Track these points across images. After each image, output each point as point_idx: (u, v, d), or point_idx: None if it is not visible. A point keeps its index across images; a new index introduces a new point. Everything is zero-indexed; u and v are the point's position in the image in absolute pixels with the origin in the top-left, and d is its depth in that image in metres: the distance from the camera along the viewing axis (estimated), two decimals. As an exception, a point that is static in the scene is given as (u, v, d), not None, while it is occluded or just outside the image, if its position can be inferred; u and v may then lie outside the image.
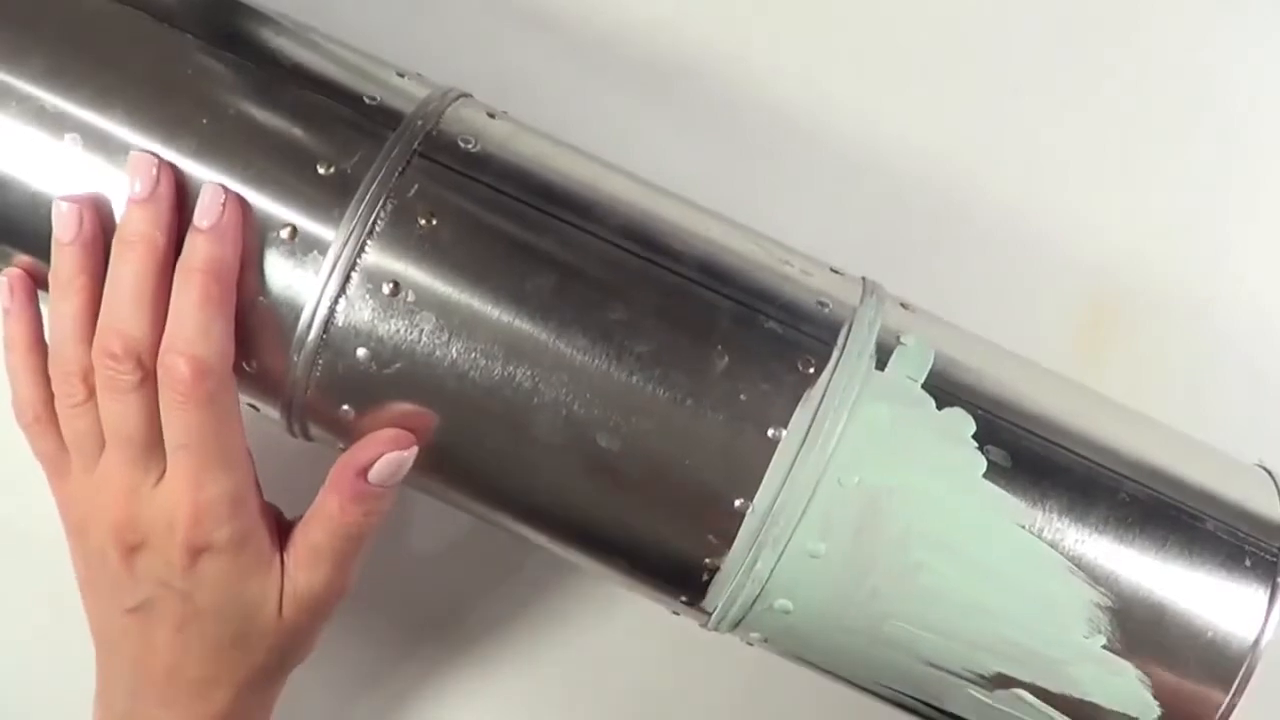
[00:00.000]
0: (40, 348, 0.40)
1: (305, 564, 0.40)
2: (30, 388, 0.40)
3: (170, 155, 0.37)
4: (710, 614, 0.39)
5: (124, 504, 0.38)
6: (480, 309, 0.36)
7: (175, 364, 0.36)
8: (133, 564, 0.39)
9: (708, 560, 0.37)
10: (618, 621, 0.51)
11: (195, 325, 0.37)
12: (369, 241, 0.37)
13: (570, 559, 0.40)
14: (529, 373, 0.36)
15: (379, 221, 0.37)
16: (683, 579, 0.38)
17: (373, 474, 0.38)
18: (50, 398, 0.40)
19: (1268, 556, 0.37)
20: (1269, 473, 0.41)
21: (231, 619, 0.39)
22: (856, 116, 0.51)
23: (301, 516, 0.40)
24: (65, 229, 0.37)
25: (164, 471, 0.38)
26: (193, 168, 0.37)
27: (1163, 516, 0.37)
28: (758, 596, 0.37)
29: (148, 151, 0.37)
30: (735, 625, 0.39)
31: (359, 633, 0.48)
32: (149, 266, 0.37)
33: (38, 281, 0.40)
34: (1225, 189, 0.52)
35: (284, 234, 0.37)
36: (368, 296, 0.37)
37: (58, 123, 0.37)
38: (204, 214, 0.37)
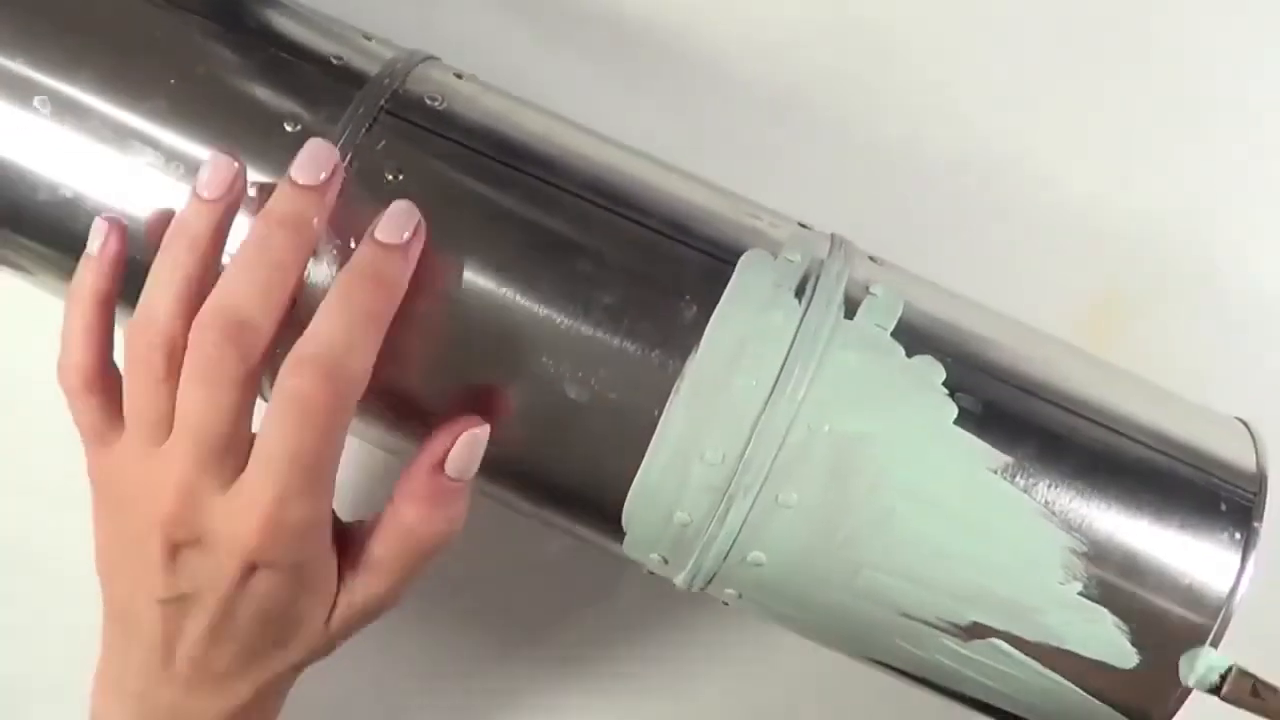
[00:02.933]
0: (109, 306, 0.36)
1: (367, 582, 0.37)
2: (85, 351, 0.36)
3: (141, 117, 0.37)
4: (684, 569, 0.38)
5: (181, 501, 0.35)
6: (447, 264, 0.36)
7: (312, 373, 0.33)
8: (177, 559, 0.36)
9: (679, 513, 0.37)
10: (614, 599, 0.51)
11: (347, 338, 0.33)
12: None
13: (541, 517, 0.40)
14: (497, 328, 0.36)
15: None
16: (657, 533, 0.38)
17: (450, 464, 0.36)
18: (103, 363, 0.36)
19: (1242, 501, 0.37)
20: (1245, 424, 0.41)
21: (273, 628, 0.37)
22: (862, 96, 0.51)
23: (363, 521, 0.38)
24: (214, 185, 0.34)
25: (235, 475, 0.35)
26: (162, 134, 0.37)
27: (1137, 462, 0.37)
28: (730, 549, 0.37)
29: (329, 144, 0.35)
30: (709, 581, 0.39)
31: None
32: (295, 257, 0.34)
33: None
34: (1240, 176, 0.52)
35: (252, 192, 0.37)
36: (335, 251, 0.37)
37: (25, 88, 0.37)
38: (393, 232, 0.34)
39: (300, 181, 0.35)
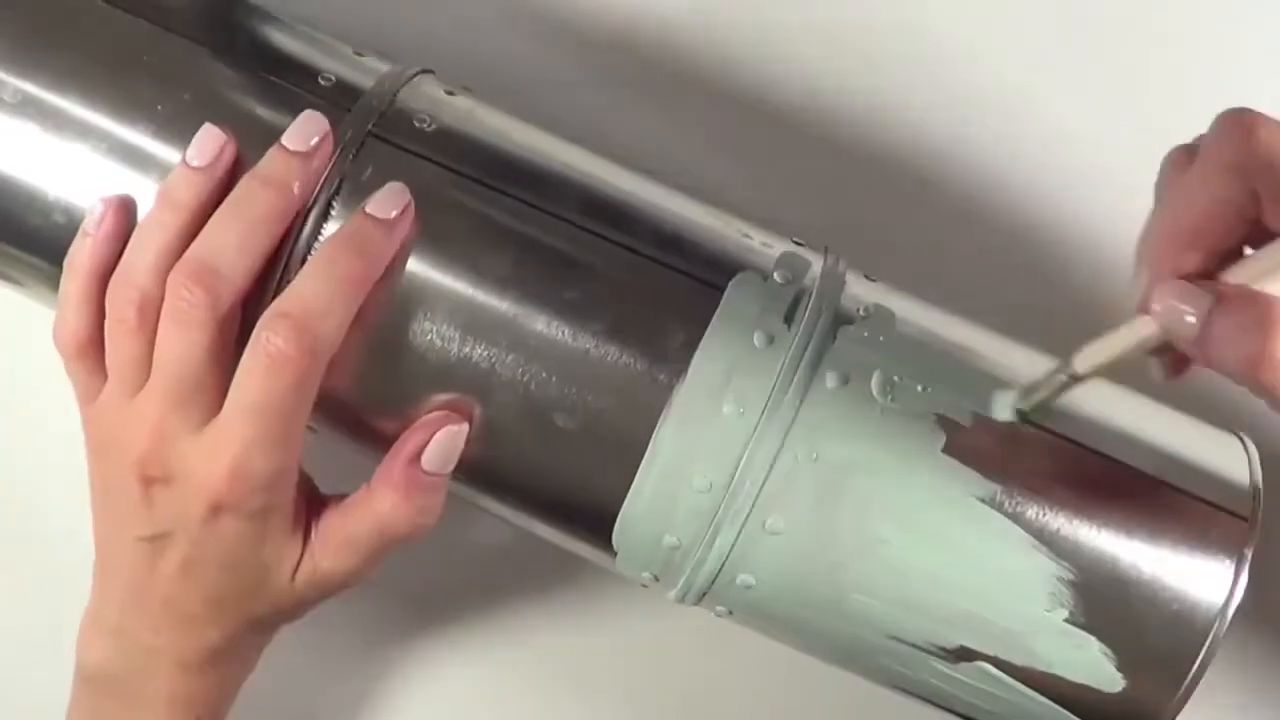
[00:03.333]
0: (103, 279, 0.37)
1: (334, 552, 0.39)
2: (80, 319, 0.38)
3: (128, 140, 0.37)
4: (675, 588, 0.39)
5: (155, 440, 0.37)
6: (435, 289, 0.37)
7: (284, 329, 0.35)
8: (151, 496, 0.37)
9: (668, 537, 0.37)
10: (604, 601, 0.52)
11: (324, 301, 0.35)
12: (325, 225, 0.37)
13: (535, 532, 0.41)
14: (485, 353, 0.36)
15: (334, 204, 0.37)
16: (647, 554, 0.38)
17: (426, 458, 0.37)
18: (95, 329, 0.38)
19: (1234, 527, 0.37)
20: (1241, 439, 0.40)
21: (239, 575, 0.39)
22: (860, 97, 0.50)
23: (338, 496, 0.39)
24: (202, 153, 0.36)
25: (208, 419, 0.36)
26: (154, 147, 0.37)
27: (1128, 487, 0.37)
28: (719, 572, 0.37)
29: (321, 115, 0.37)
30: (700, 598, 0.39)
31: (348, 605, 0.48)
32: (277, 214, 0.36)
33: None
34: None
35: None
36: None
37: (15, 108, 0.38)
38: (383, 208, 0.36)
39: (289, 147, 0.36)
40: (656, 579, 0.39)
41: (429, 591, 0.52)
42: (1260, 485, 0.38)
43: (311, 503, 0.40)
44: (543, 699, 0.52)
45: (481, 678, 0.52)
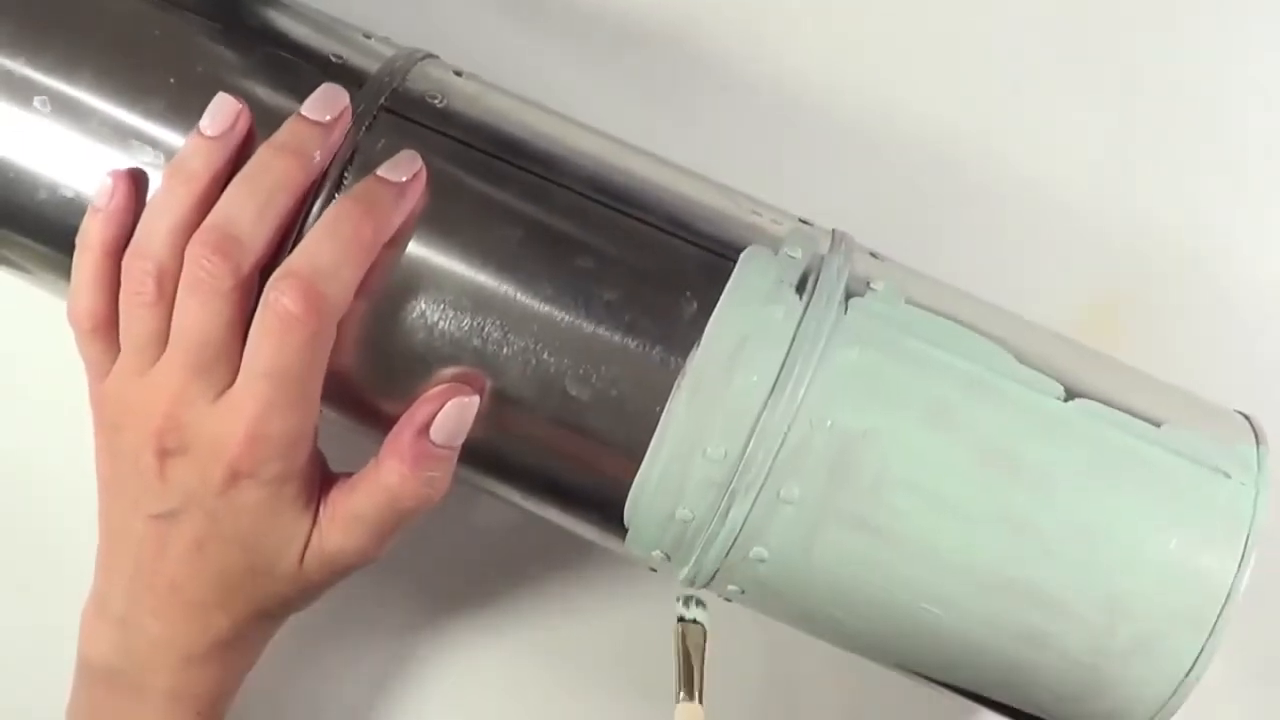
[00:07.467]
0: (116, 253, 0.37)
1: (341, 528, 0.38)
2: (94, 295, 0.37)
3: (140, 117, 0.37)
4: (686, 565, 0.38)
5: (173, 409, 0.36)
6: (448, 261, 0.37)
7: (292, 289, 0.34)
8: (167, 469, 0.37)
9: (681, 510, 0.37)
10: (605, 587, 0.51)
11: (331, 260, 0.35)
12: (338, 195, 0.37)
13: (542, 514, 0.40)
14: (498, 322, 0.36)
15: (346, 176, 0.37)
16: (659, 530, 0.38)
17: (435, 429, 0.36)
18: (112, 304, 0.37)
19: (1241, 499, 0.37)
20: (1247, 418, 0.40)
21: (251, 552, 0.38)
22: (861, 95, 0.51)
23: (346, 474, 0.39)
24: (217, 121, 0.36)
25: (225, 388, 0.36)
26: (161, 134, 0.37)
27: (1137, 458, 0.37)
28: (732, 546, 0.37)
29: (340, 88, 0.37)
30: (712, 577, 0.39)
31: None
32: (295, 183, 0.36)
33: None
34: (1240, 175, 0.52)
35: None
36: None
37: (25, 88, 0.38)
38: (394, 172, 0.36)
39: (309, 117, 0.36)
40: (668, 558, 0.39)
41: (429, 583, 0.51)
42: (1267, 464, 0.38)
43: (322, 480, 0.39)
44: (543, 691, 0.51)
45: (482, 670, 0.51)
